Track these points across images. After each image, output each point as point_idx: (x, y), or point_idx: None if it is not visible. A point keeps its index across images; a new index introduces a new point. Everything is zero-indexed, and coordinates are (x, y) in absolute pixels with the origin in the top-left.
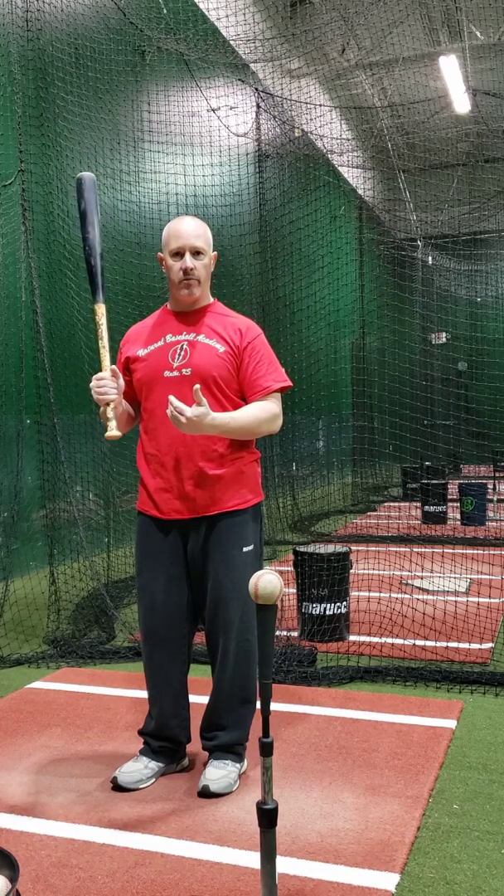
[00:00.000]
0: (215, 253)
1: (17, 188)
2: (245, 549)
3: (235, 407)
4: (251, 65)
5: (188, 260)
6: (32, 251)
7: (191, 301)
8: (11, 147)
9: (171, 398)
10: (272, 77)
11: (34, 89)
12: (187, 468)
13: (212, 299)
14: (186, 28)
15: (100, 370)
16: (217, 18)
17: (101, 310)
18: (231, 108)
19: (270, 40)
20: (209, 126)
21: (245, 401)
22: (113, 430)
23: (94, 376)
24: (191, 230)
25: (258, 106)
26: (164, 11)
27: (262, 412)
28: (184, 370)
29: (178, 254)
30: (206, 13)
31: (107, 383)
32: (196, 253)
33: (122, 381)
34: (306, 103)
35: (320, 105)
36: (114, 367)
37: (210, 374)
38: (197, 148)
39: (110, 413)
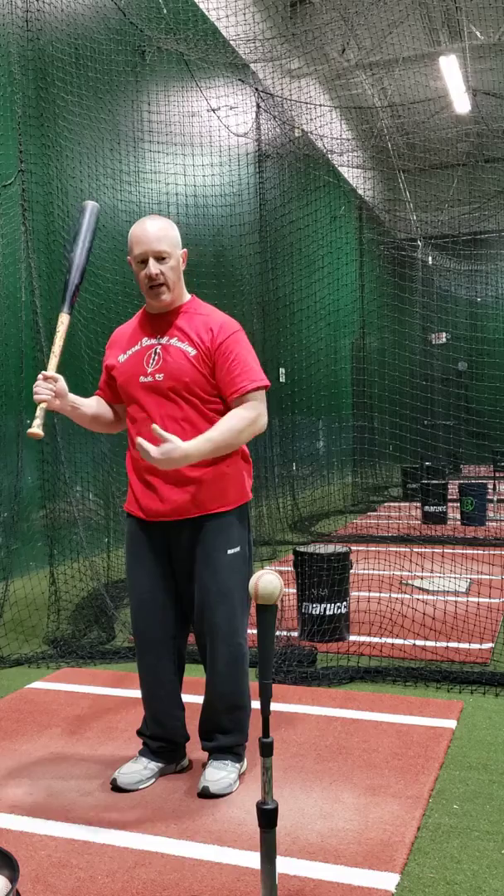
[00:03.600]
0: (184, 251)
1: (17, 188)
2: (230, 552)
3: (212, 409)
4: (251, 65)
5: (152, 266)
6: (32, 251)
7: (163, 305)
8: (11, 147)
9: (139, 440)
10: (272, 77)
11: (34, 89)
12: (167, 471)
13: (188, 297)
14: (186, 28)
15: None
16: (217, 18)
17: (63, 319)
18: (231, 108)
19: (270, 40)
20: (209, 126)
21: (223, 400)
22: (35, 428)
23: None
24: (152, 234)
25: (258, 106)
26: (164, 11)
27: (239, 421)
28: (157, 375)
29: (143, 261)
30: (206, 13)
31: (41, 384)
32: (160, 258)
33: (61, 384)
34: (306, 103)
35: (320, 105)
36: (49, 372)
37: (182, 379)
38: (197, 148)
39: (39, 411)
